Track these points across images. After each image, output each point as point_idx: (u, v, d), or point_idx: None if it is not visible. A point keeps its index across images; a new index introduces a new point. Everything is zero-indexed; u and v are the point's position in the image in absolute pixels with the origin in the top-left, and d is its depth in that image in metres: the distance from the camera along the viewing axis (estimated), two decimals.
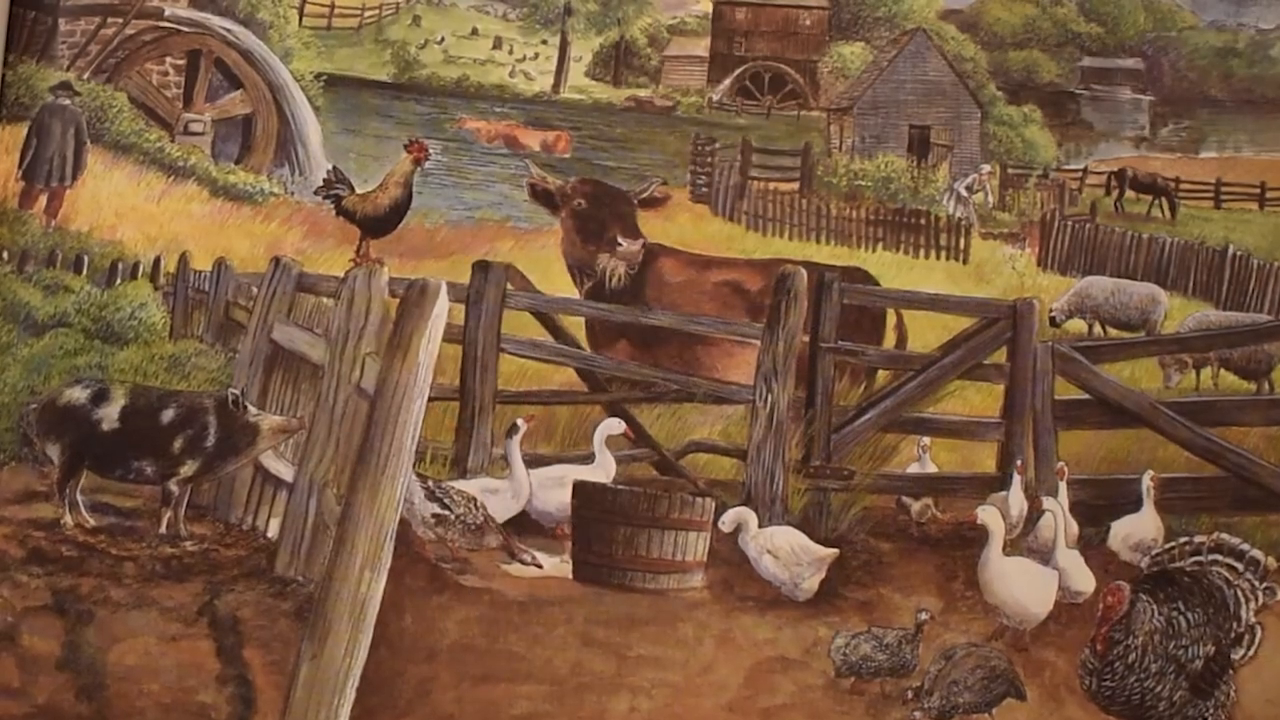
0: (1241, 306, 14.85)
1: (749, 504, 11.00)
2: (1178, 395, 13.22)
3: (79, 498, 10.30)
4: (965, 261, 15.83)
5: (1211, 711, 8.66)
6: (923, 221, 16.05)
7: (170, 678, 8.98)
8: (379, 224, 10.57)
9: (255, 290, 11.45)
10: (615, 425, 11.41)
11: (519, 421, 11.04)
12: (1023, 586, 9.95)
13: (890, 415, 11.80)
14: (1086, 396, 11.85)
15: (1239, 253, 15.30)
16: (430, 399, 7.44)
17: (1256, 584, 8.86)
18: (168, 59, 16.00)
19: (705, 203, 16.47)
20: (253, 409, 10.23)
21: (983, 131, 17.09)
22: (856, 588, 10.74)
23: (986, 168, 16.84)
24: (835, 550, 10.49)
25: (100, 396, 10.27)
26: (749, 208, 16.44)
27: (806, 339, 11.65)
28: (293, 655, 7.77)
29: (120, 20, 15.60)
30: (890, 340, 13.26)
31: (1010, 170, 17.00)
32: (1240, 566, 8.82)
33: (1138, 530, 11.12)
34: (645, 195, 13.99)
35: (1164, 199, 16.84)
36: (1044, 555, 10.48)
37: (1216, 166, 16.73)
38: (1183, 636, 8.45)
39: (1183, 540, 9.03)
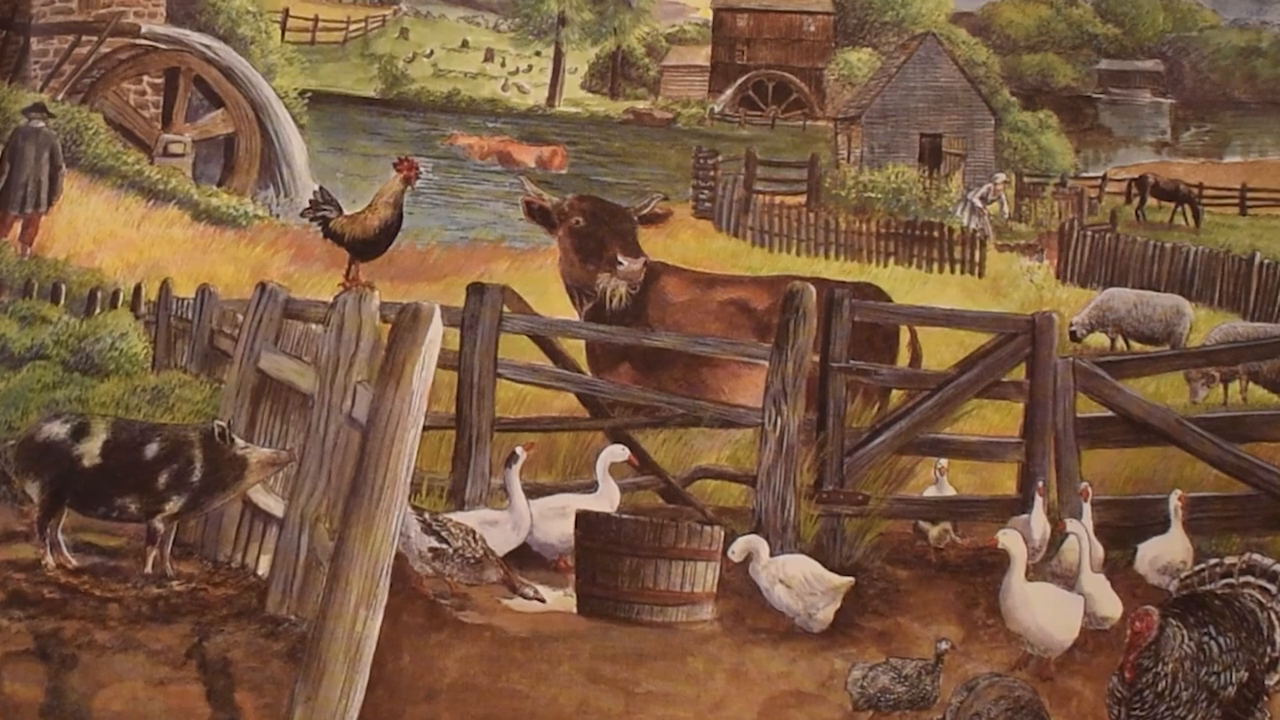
0: (1270, 317, 14.92)
1: (759, 532, 11.03)
2: (1205, 410, 13.26)
3: (60, 537, 10.31)
4: (981, 275, 15.91)
5: None
6: (936, 234, 16.13)
7: None
8: (369, 246, 10.58)
9: (241, 317, 11.48)
10: (619, 452, 11.43)
11: (518, 450, 11.07)
12: (1047, 613, 9.96)
13: (906, 437, 11.83)
14: (1110, 414, 11.87)
15: (1267, 261, 15.36)
16: (425, 428, 7.45)
17: None
18: (145, 78, 16.09)
19: (708, 218, 16.56)
20: (240, 441, 10.25)
21: (997, 139, 17.18)
22: (873, 617, 10.76)
23: (1001, 177, 16.93)
24: (850, 579, 10.51)
25: (81, 431, 10.28)
26: (754, 223, 16.51)
27: (817, 359, 11.68)
28: (286, 698, 7.77)
29: (95, 38, 15.69)
30: (904, 358, 13.31)
31: (1026, 179, 17.09)
32: (1273, 589, 8.82)
33: (1165, 552, 11.15)
34: (646, 212, 14.03)
35: (1187, 206, 16.92)
36: (1068, 580, 10.50)
37: (1241, 171, 16.82)
38: (1214, 662, 8.45)
39: (1213, 562, 9.02)
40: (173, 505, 10.16)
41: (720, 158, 16.77)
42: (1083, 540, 10.48)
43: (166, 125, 16.06)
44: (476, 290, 11.82)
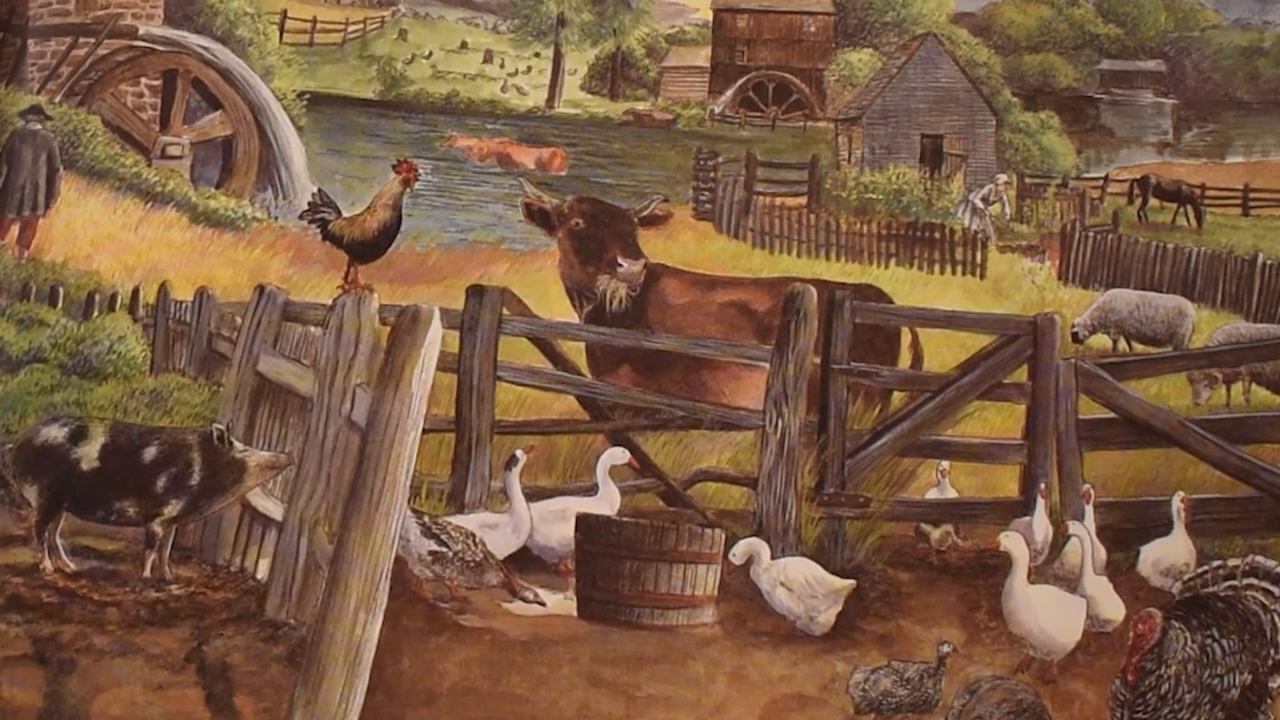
0: (1273, 318, 14.92)
1: (760, 534, 11.03)
2: (1207, 412, 13.27)
3: (58, 541, 10.31)
4: (982, 276, 15.91)
5: None
6: (937, 235, 16.13)
7: None
8: (368, 248, 10.59)
9: (239, 320, 11.48)
10: (619, 455, 11.43)
11: (518, 452, 11.06)
12: (1049, 616, 9.96)
13: (907, 439, 11.83)
14: (1112, 415, 11.87)
15: (1269, 262, 15.36)
16: (425, 431, 7.46)
17: None
18: (143, 80, 16.09)
19: (709, 220, 16.56)
20: (239, 445, 10.24)
21: (998, 140, 17.18)
22: (875, 620, 10.77)
23: (1003, 178, 16.93)
24: (852, 581, 10.51)
25: (79, 435, 10.28)
26: (755, 224, 16.51)
27: (818, 360, 11.68)
28: (285, 702, 7.79)
29: (92, 40, 15.70)
30: (905, 360, 13.31)
31: (1028, 180, 17.09)
32: (1277, 591, 8.82)
33: (1168, 554, 11.15)
34: (646, 213, 14.04)
35: (1189, 207, 16.93)
36: (1071, 582, 10.50)
37: (1244, 172, 16.82)
38: (1218, 665, 8.45)
39: (1216, 564, 9.01)
40: (171, 509, 10.15)
41: (720, 159, 16.77)
42: (1085, 542, 10.48)
43: (164, 127, 16.06)
44: (476, 292, 11.82)
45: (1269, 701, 8.61)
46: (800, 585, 10.40)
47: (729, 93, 18.23)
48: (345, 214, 10.72)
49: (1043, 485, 11.59)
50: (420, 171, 10.94)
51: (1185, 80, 17.66)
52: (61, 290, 13.64)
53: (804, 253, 16.28)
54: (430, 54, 17.83)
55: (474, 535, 10.33)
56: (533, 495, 11.16)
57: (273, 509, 10.16)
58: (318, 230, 10.73)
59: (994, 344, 11.92)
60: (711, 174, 16.62)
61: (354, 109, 16.72)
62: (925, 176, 16.88)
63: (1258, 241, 15.87)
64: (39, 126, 14.28)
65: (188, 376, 12.74)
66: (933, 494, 12.09)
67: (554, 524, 11.10)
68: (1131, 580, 11.09)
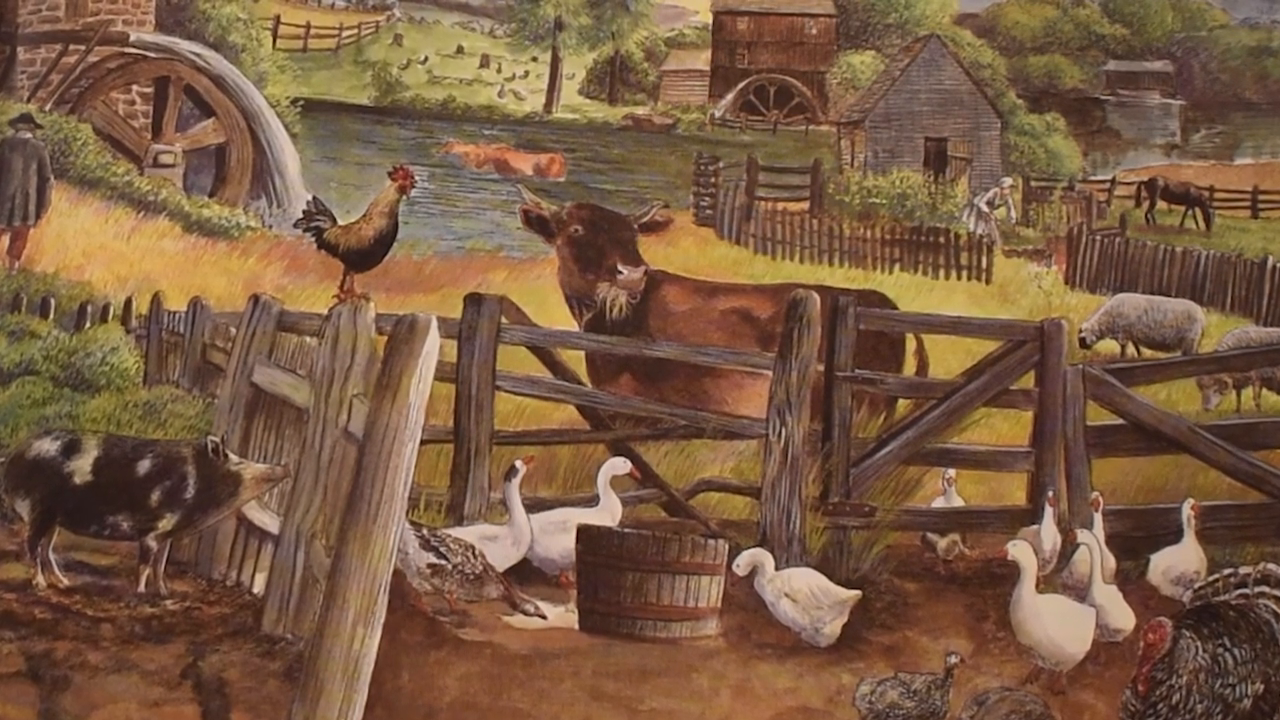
0: None
1: (764, 545, 11.02)
2: (1217, 418, 13.27)
3: (52, 556, 10.31)
4: (988, 281, 15.93)
5: None
6: (942, 240, 16.15)
7: None
8: (364, 257, 10.56)
9: (234, 331, 11.50)
10: (620, 465, 11.43)
11: (518, 463, 11.06)
12: (1058, 626, 9.96)
13: (913, 447, 11.84)
14: (1121, 422, 11.88)
15: (1279, 264, 15.37)
16: (422, 442, 7.47)
17: None
18: (134, 87, 16.13)
19: (710, 225, 16.58)
20: (234, 457, 10.25)
21: (1003, 142, 17.20)
22: (881, 631, 10.77)
23: (1008, 181, 16.95)
24: (857, 592, 10.51)
25: (71, 448, 10.28)
26: (756, 230, 16.53)
27: (821, 368, 11.68)
28: (283, 718, 7.80)
29: (83, 47, 15.72)
30: (910, 367, 13.33)
31: (1034, 183, 17.12)
32: None
33: (1179, 562, 11.15)
34: (646, 219, 14.06)
35: (1198, 209, 16.95)
36: (1080, 592, 10.51)
37: (1253, 173, 16.83)
38: (1229, 674, 8.45)
39: (1227, 572, 9.01)
40: (166, 523, 10.15)
41: (721, 164, 16.80)
42: (1094, 551, 10.49)
43: (156, 135, 16.09)
44: (474, 301, 11.82)
45: None
46: (805, 596, 10.40)
47: (729, 96, 18.26)
48: (340, 222, 10.70)
49: (1051, 493, 11.59)
50: (416, 178, 10.92)
51: (1193, 81, 17.69)
52: (53, 301, 13.66)
53: (807, 258, 16.30)
54: (426, 59, 17.86)
55: (473, 547, 10.33)
56: (533, 506, 11.16)
57: (269, 522, 10.16)
58: (313, 239, 10.72)
59: (1000, 350, 11.93)
60: (712, 179, 16.65)
61: (349, 115, 16.76)
62: (929, 180, 16.90)
63: (1267, 244, 15.89)
64: (29, 135, 14.30)
65: (181, 388, 12.76)
66: (939, 503, 12.09)
67: (555, 535, 11.10)
68: (1141, 589, 11.09)
